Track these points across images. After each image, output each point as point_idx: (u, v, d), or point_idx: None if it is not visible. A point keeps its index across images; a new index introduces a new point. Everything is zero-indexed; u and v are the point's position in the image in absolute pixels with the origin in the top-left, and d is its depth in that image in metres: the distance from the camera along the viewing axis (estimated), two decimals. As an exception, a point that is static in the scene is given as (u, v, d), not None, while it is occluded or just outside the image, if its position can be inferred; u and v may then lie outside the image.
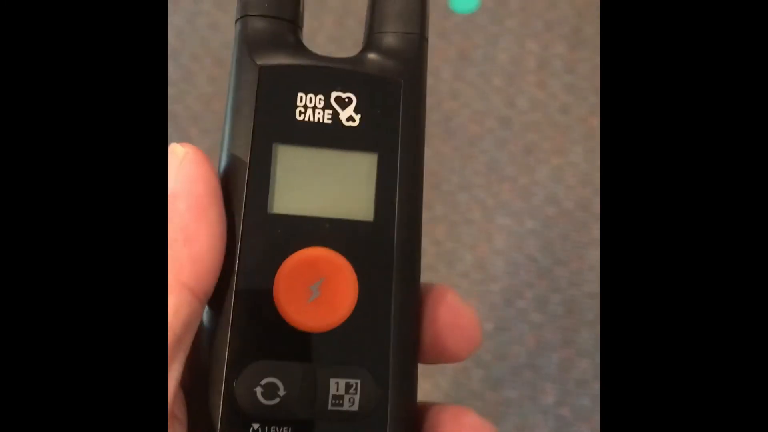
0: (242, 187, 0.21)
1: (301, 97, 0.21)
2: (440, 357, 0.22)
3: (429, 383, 0.68)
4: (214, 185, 0.20)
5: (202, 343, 0.21)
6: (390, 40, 0.22)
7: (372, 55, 0.22)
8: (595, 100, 0.81)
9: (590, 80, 0.81)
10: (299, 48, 0.22)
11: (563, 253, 0.74)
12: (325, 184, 0.21)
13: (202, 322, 0.21)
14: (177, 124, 0.86)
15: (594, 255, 0.74)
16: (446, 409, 0.22)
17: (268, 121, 0.21)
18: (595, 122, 0.80)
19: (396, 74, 0.22)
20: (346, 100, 0.22)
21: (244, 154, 0.21)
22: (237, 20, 0.22)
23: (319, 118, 0.21)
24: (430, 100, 0.91)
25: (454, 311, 0.21)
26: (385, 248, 0.21)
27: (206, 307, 0.21)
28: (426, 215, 0.78)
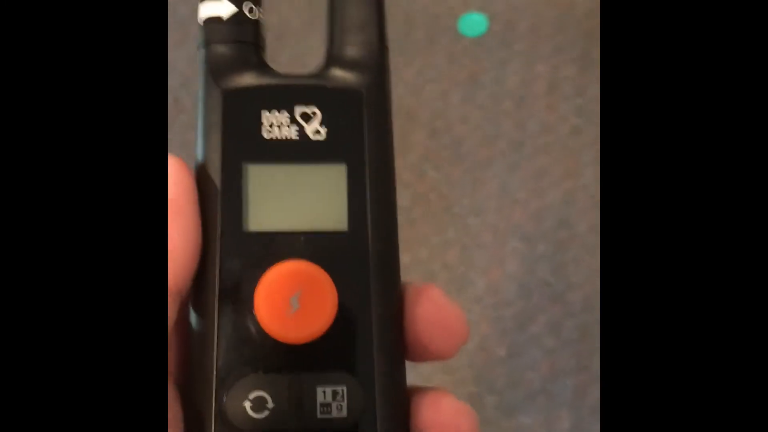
0: (215, 208, 0.21)
1: (267, 116, 0.22)
2: (427, 355, 0.22)
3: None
4: (190, 190, 0.21)
5: (191, 359, 0.21)
6: (349, 51, 0.23)
7: (333, 68, 0.23)
8: (606, 122, 0.81)
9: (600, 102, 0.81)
10: (262, 68, 0.23)
11: (576, 277, 0.73)
12: (297, 199, 0.21)
13: (190, 337, 0.21)
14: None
15: (608, 278, 0.73)
16: (425, 393, 0.22)
17: (236, 143, 0.22)
18: (607, 144, 0.79)
19: (357, 85, 0.22)
20: (311, 114, 0.22)
21: (216, 176, 0.21)
22: (199, 48, 0.23)
23: (286, 135, 0.22)
24: (439, 124, 0.91)
25: (438, 308, 0.21)
26: (361, 256, 0.21)
27: (191, 324, 0.21)
28: (437, 239, 0.78)
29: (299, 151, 0.22)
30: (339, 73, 0.22)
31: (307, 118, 0.22)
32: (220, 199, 0.21)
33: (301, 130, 0.22)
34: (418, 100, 0.83)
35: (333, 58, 0.23)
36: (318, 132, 0.22)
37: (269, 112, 0.22)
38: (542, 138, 0.81)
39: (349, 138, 0.22)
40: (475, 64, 0.83)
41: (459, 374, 0.69)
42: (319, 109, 0.22)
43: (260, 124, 0.22)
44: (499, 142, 0.81)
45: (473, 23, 0.86)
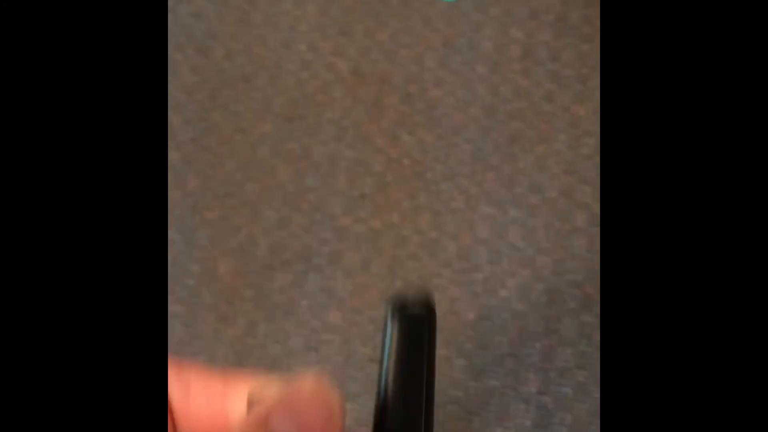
0: None
1: None
2: None
3: (411, 373, 0.68)
4: None
5: None
6: None
7: None
8: (580, 87, 0.81)
9: (575, 68, 0.81)
10: None
11: (546, 242, 0.74)
12: None
13: None
14: (159, 113, 0.85)
15: (577, 244, 0.74)
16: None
17: None
18: (580, 111, 0.80)
19: None
20: None
21: None
22: None
23: None
24: (414, 89, 0.91)
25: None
26: None
27: None
28: (409, 204, 0.78)
29: None
30: None
31: None
32: None
33: None
34: (393, 65, 0.83)
35: None
36: None
37: None
38: (516, 103, 0.81)
39: None
40: (449, 28, 0.83)
41: (430, 337, 0.70)
42: None
43: None
44: (473, 108, 0.81)
45: (448, -14, 0.85)
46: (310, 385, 0.20)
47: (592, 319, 0.70)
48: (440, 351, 0.77)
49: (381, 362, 0.23)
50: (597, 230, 0.74)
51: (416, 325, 0.24)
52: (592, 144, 0.78)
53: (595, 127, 0.79)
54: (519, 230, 0.74)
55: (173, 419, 0.20)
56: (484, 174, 0.77)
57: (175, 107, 0.85)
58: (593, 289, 0.72)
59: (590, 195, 0.76)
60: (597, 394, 0.67)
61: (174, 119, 0.84)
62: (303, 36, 0.85)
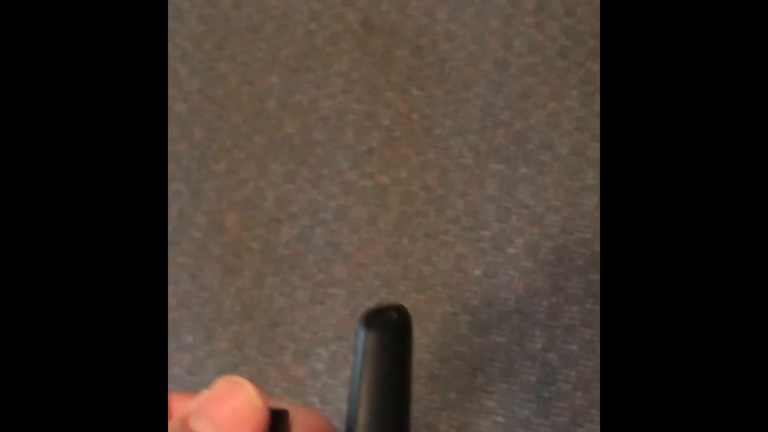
0: None
1: None
2: None
3: (416, 328, 0.68)
4: None
5: None
6: None
7: None
8: (593, 44, 0.79)
9: (590, 24, 0.79)
10: None
11: (556, 200, 0.73)
12: None
13: None
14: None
15: (587, 202, 0.73)
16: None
17: None
18: (594, 67, 0.78)
19: None
20: None
21: None
22: None
23: None
24: (424, 42, 0.89)
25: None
26: None
27: None
28: (417, 160, 0.78)
29: None
30: None
31: None
32: None
33: None
34: (403, 16, 0.81)
35: None
36: None
37: None
38: (529, 58, 0.79)
39: None
40: (462, -21, 0.81)
41: (433, 292, 0.70)
42: None
43: None
44: (484, 62, 0.80)
45: (462, -65, 0.83)
46: (221, 386, 0.23)
47: (599, 277, 0.70)
48: (445, 307, 0.77)
49: (353, 367, 0.25)
50: (607, 189, 0.73)
51: (386, 327, 0.25)
52: (604, 101, 0.77)
53: (609, 83, 0.77)
54: (528, 187, 0.74)
55: None
56: (494, 130, 0.76)
57: (181, 57, 0.84)
58: (601, 248, 0.71)
59: (601, 153, 0.75)
60: (602, 353, 0.67)
61: (180, 69, 0.83)
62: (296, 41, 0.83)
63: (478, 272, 0.70)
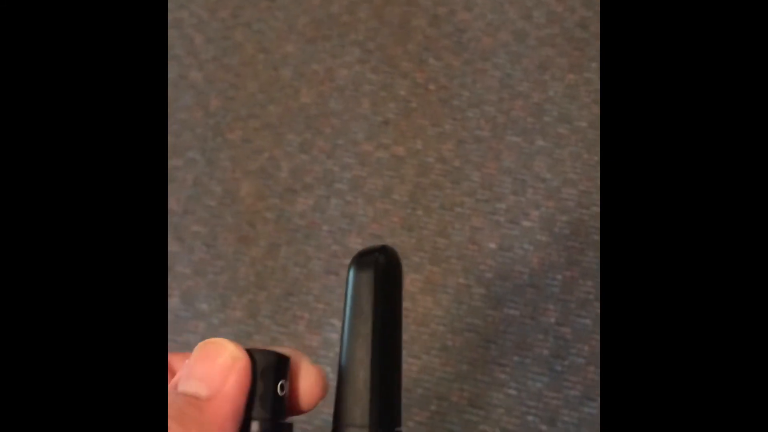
0: None
1: None
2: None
3: (430, 300, 0.68)
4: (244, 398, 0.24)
5: None
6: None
7: None
8: (615, 14, 0.78)
9: (611, -7, 0.78)
10: None
11: (573, 173, 0.72)
12: None
13: None
14: (181, 31, 0.84)
15: (604, 176, 0.72)
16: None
17: None
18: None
19: None
20: None
21: None
22: None
23: None
24: (442, 11, 0.88)
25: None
26: None
27: None
28: (433, 131, 0.77)
29: None
30: None
31: None
32: None
33: None
34: (421, -16, 0.80)
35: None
36: None
37: None
38: (548, 29, 0.78)
39: None
40: (482, -53, 0.79)
41: (447, 264, 0.70)
42: None
43: None
44: (503, 32, 0.79)
45: None
46: (201, 348, 0.24)
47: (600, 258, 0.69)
48: (459, 279, 0.77)
49: (343, 307, 0.26)
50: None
51: (373, 266, 0.26)
52: (625, 73, 0.75)
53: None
54: (545, 160, 0.73)
55: None
56: (512, 102, 0.75)
57: (197, 25, 0.83)
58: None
59: (620, 126, 0.74)
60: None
61: (196, 37, 0.83)
62: (302, 34, 0.82)
63: (492, 245, 0.70)
